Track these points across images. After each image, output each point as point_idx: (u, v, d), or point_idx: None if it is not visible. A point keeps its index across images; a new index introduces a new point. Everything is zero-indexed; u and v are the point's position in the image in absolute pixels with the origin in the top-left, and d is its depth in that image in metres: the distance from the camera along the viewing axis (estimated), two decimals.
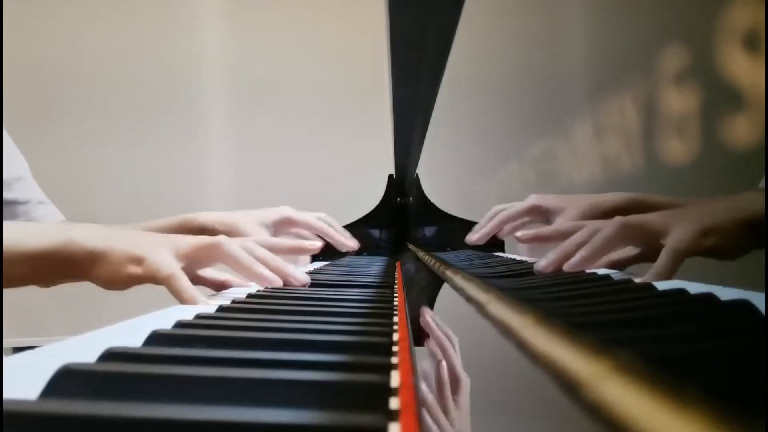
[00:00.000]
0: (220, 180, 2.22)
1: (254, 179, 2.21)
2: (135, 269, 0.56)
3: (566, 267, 0.46)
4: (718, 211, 0.36)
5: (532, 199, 0.59)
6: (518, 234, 0.54)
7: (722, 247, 0.35)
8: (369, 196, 1.33)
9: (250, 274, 0.57)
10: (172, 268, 0.55)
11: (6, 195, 0.89)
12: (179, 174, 2.20)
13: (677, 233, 0.40)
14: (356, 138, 2.21)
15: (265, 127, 2.23)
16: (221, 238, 0.58)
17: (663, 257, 0.40)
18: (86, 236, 0.57)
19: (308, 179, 2.20)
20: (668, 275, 0.40)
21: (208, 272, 0.65)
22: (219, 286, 0.66)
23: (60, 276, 0.59)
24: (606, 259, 0.47)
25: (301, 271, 0.61)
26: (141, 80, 2.21)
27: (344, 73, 2.24)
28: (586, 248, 0.45)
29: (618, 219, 0.44)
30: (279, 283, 0.57)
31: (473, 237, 0.72)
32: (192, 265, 0.58)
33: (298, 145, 2.23)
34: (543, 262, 0.47)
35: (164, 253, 0.56)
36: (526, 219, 0.63)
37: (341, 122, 2.24)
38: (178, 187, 2.17)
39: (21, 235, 0.56)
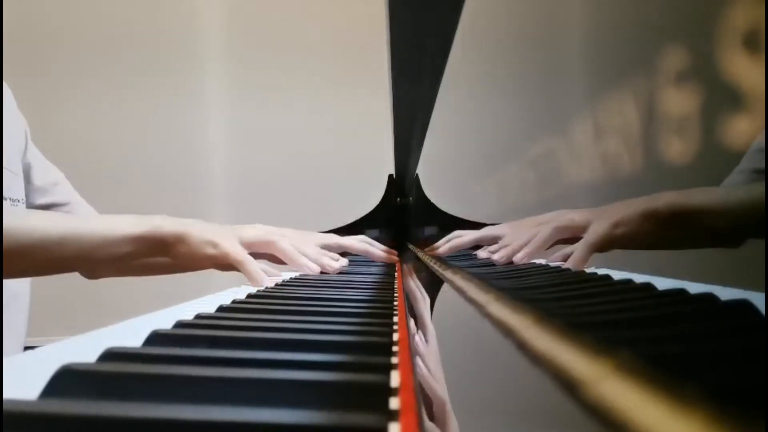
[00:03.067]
0: (220, 188, 2.22)
1: (255, 179, 2.21)
2: (212, 251, 0.71)
3: (515, 260, 0.59)
4: (628, 207, 0.43)
5: (490, 230, 0.70)
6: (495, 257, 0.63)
7: (633, 236, 0.42)
8: (369, 196, 1.33)
9: (296, 265, 0.76)
10: (242, 254, 0.71)
11: (46, 199, 0.98)
12: (175, 141, 2.20)
13: (593, 228, 0.50)
14: (356, 137, 2.21)
15: (264, 124, 2.23)
16: (275, 237, 0.77)
17: (578, 248, 0.51)
18: (167, 222, 0.71)
19: (308, 180, 2.20)
20: (581, 263, 0.51)
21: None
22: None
23: (155, 253, 0.71)
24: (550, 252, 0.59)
25: (337, 260, 0.80)
26: (136, 35, 2.19)
27: (344, 73, 2.24)
28: (529, 246, 0.57)
29: (552, 224, 0.56)
30: (317, 270, 0.76)
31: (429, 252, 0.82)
32: (251, 251, 0.74)
33: (298, 146, 2.23)
34: (496, 256, 0.61)
35: (233, 241, 0.72)
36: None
37: (341, 122, 2.24)
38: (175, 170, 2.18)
39: (118, 222, 0.70)
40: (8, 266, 0.68)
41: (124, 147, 2.18)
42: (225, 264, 0.72)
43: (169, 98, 2.21)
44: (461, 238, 0.76)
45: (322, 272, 0.77)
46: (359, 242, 0.92)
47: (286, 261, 0.77)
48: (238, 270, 0.73)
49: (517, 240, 0.60)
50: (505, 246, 0.62)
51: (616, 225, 0.46)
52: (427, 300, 0.67)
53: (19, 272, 0.80)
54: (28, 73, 2.09)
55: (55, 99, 2.15)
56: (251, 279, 0.70)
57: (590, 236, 0.50)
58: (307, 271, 0.76)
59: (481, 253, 0.65)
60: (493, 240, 0.67)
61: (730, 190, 0.28)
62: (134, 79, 2.19)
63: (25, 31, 2.12)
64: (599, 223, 0.49)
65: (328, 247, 0.84)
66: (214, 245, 0.71)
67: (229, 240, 0.72)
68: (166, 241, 0.70)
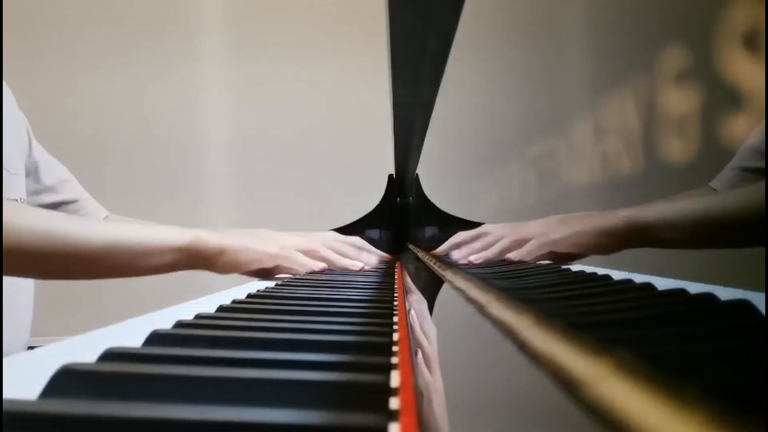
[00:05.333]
0: (220, 187, 2.22)
1: (254, 178, 2.21)
2: (255, 256, 0.73)
3: (471, 260, 0.66)
4: (588, 220, 0.48)
5: (482, 228, 0.74)
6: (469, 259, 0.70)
7: (588, 246, 0.48)
8: (369, 196, 1.33)
9: (339, 267, 0.79)
10: (289, 251, 0.75)
11: (56, 198, 0.98)
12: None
13: (550, 233, 0.56)
14: (356, 138, 2.21)
15: (266, 129, 2.23)
16: (316, 244, 0.79)
17: (530, 242, 0.58)
18: (208, 235, 0.72)
19: (308, 180, 2.20)
20: (527, 256, 0.58)
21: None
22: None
23: (191, 266, 0.73)
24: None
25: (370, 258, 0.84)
26: (135, 6, 2.18)
27: (344, 74, 2.23)
28: (487, 252, 0.64)
29: (510, 237, 0.63)
30: (358, 267, 0.80)
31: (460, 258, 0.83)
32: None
33: (298, 145, 2.23)
34: (455, 255, 0.69)
35: (274, 245, 0.74)
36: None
37: (341, 122, 2.24)
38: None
39: (161, 232, 0.71)
40: (65, 272, 0.70)
41: (118, 124, 2.17)
42: (268, 269, 0.75)
43: (166, 92, 2.21)
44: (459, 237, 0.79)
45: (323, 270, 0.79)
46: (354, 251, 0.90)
47: (331, 266, 0.79)
48: (280, 273, 0.76)
49: (478, 243, 0.67)
50: (468, 246, 0.68)
51: (574, 234, 0.51)
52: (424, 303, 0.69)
53: (73, 276, 0.81)
54: (24, 46, 2.08)
55: (53, 72, 2.14)
56: (301, 267, 0.75)
57: (544, 237, 0.57)
58: (352, 270, 0.79)
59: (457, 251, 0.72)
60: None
61: (684, 203, 0.30)
62: (132, 52, 2.18)
63: (22, 4, 2.11)
64: (557, 229, 0.55)
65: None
66: (257, 252, 0.73)
67: (271, 244, 0.74)
68: (208, 253, 0.72)
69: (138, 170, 2.16)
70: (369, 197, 1.33)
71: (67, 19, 2.17)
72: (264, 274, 0.78)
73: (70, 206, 0.99)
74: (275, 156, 2.22)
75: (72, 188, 1.01)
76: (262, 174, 2.21)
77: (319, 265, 0.76)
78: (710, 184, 0.27)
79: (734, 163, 0.25)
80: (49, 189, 0.97)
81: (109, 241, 0.68)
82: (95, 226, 0.70)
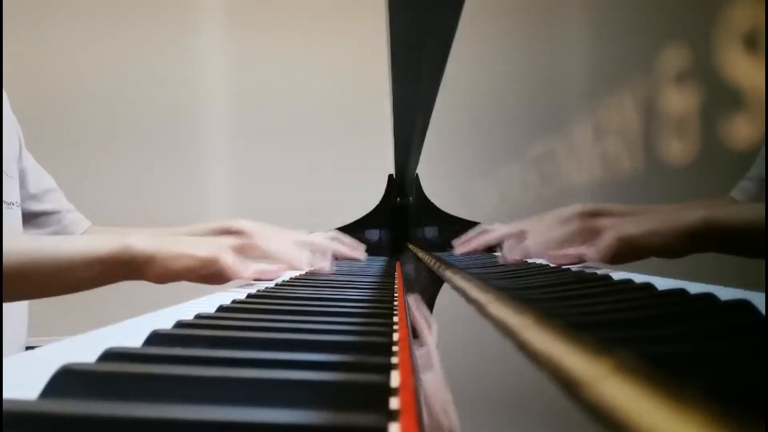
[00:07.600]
0: (219, 187, 2.22)
1: (254, 179, 2.21)
2: (190, 262, 0.66)
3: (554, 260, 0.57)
4: (661, 217, 0.41)
5: (517, 226, 0.68)
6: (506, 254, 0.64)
7: (662, 248, 0.39)
8: (369, 196, 1.33)
9: (284, 261, 0.75)
10: (218, 251, 0.67)
11: (37, 207, 0.96)
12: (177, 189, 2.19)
13: (625, 225, 0.47)
14: (356, 138, 2.21)
15: (265, 128, 2.23)
16: (258, 240, 0.76)
17: (605, 238, 0.46)
18: (140, 241, 0.66)
19: (308, 180, 2.20)
20: (608, 254, 0.46)
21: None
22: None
23: (121, 276, 0.67)
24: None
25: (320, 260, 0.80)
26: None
27: (344, 73, 2.23)
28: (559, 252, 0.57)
29: (573, 227, 0.55)
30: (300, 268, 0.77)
31: (457, 249, 0.82)
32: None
33: (298, 146, 2.23)
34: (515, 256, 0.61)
35: (204, 249, 0.67)
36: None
37: (341, 122, 2.24)
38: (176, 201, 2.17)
39: (90, 243, 0.67)
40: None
41: (114, 101, 2.16)
42: (207, 274, 0.68)
43: (164, 90, 2.21)
44: (489, 234, 0.75)
45: (313, 271, 0.80)
46: (329, 241, 0.92)
47: (273, 262, 0.77)
48: (219, 280, 0.68)
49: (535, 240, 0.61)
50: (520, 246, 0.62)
51: (651, 233, 0.42)
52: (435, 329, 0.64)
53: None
54: (21, 17, 2.07)
55: (50, 44, 2.13)
56: (233, 274, 0.67)
57: (621, 231, 0.45)
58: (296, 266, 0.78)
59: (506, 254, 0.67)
60: (520, 236, 0.65)
61: (757, 206, 0.27)
62: (129, 29, 2.17)
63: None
64: (634, 224, 0.45)
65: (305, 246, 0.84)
66: (190, 256, 0.66)
67: (204, 247, 0.68)
68: (135, 263, 0.65)
69: (133, 161, 2.16)
70: (369, 197, 1.33)
71: None
72: (211, 281, 0.69)
73: (52, 217, 0.98)
74: (275, 157, 2.22)
75: (55, 199, 1.00)
76: (261, 175, 2.21)
77: (249, 272, 0.69)
78: (731, 194, 0.27)
79: (753, 172, 0.24)
80: (33, 197, 0.96)
81: (22, 259, 0.63)
82: (8, 242, 0.64)
